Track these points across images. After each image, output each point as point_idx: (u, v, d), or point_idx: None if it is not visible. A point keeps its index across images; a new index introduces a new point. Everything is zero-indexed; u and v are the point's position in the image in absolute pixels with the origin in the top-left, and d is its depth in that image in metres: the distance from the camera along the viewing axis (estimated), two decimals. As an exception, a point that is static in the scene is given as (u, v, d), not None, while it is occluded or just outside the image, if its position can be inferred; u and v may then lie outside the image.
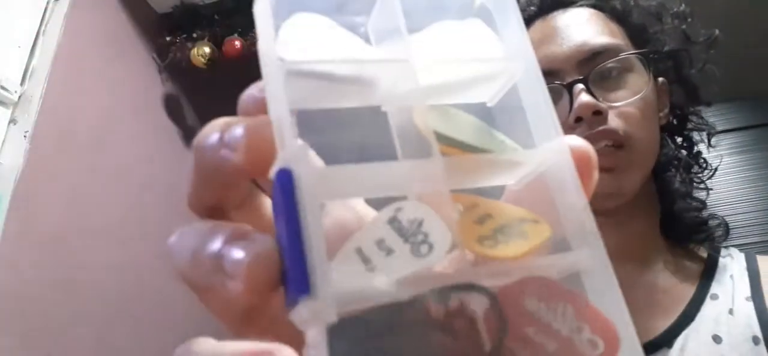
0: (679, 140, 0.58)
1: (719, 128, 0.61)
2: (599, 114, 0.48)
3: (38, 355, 1.20)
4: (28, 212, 1.23)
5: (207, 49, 1.59)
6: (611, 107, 0.49)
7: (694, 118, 0.58)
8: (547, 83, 0.54)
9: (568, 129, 0.50)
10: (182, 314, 1.63)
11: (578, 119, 0.48)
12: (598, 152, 0.50)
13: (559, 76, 0.51)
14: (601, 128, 0.48)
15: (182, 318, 1.61)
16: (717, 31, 0.57)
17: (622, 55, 0.51)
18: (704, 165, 0.58)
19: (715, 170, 0.58)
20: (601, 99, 0.49)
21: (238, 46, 1.57)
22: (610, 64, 0.50)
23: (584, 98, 0.48)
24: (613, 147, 0.48)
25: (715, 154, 0.60)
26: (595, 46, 0.51)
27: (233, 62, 1.66)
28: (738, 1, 1.84)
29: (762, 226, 2.10)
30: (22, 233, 1.20)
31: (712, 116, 0.59)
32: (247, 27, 1.57)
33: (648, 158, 0.51)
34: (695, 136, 0.59)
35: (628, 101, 0.50)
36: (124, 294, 1.45)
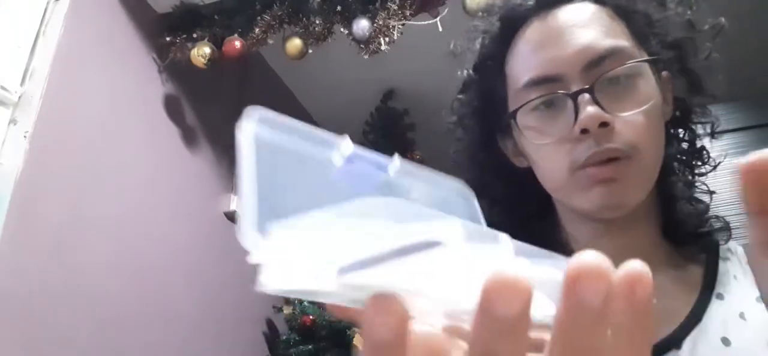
0: (681, 132, 0.56)
1: (722, 128, 0.59)
2: (606, 126, 0.47)
3: (38, 354, 1.20)
4: (28, 212, 1.23)
5: (207, 49, 1.59)
6: (619, 118, 0.47)
7: (697, 109, 0.56)
8: (550, 90, 0.51)
9: (573, 140, 0.48)
10: (183, 313, 1.63)
11: (584, 131, 0.47)
12: (602, 164, 0.47)
13: (562, 82, 0.49)
14: (607, 146, 0.46)
15: (183, 317, 1.61)
16: (723, 20, 0.55)
17: (631, 63, 0.48)
18: (707, 159, 0.56)
19: (717, 164, 0.56)
20: (607, 109, 0.46)
21: (238, 46, 1.57)
22: (617, 72, 0.48)
23: (591, 109, 0.46)
24: (617, 158, 0.47)
25: (720, 152, 0.58)
26: (602, 50, 0.48)
27: (233, 62, 1.66)
28: (740, 3, 1.83)
29: (763, 226, 2.09)
30: (22, 233, 1.20)
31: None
32: (247, 27, 1.57)
33: (653, 167, 0.49)
34: (699, 129, 0.56)
35: (637, 111, 0.47)
36: (124, 292, 1.44)
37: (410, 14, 1.48)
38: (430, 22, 1.49)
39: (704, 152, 0.56)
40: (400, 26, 1.47)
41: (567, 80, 0.48)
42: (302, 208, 0.15)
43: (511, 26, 0.54)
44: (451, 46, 0.62)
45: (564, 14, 0.51)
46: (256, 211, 0.15)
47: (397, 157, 0.20)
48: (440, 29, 1.46)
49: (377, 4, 1.49)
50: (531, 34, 0.53)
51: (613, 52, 0.48)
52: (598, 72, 0.48)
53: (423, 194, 0.20)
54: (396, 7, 1.47)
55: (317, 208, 0.16)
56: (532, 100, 0.50)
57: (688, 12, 0.54)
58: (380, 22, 1.46)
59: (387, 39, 1.47)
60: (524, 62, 0.52)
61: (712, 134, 0.56)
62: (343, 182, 0.17)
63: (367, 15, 1.49)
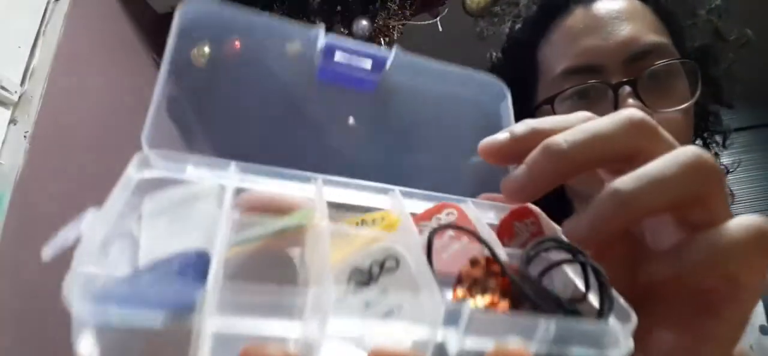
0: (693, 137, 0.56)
1: (736, 126, 0.60)
2: None
3: (38, 354, 1.20)
4: (28, 212, 1.22)
5: (207, 49, 1.59)
6: (658, 113, 0.46)
7: (712, 118, 0.56)
8: (589, 79, 0.50)
9: None
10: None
11: None
12: None
13: (602, 72, 0.48)
14: None
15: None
16: (749, 32, 0.54)
17: (674, 61, 0.47)
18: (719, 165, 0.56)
19: (728, 172, 0.56)
20: (647, 104, 0.46)
21: (238, 46, 1.57)
22: (660, 68, 0.47)
23: (631, 102, 0.45)
24: None
25: (732, 153, 0.58)
26: (645, 44, 0.47)
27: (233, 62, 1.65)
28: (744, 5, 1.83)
29: (763, 226, 2.09)
30: (22, 233, 1.20)
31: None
32: (247, 27, 1.57)
33: None
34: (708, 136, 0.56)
35: (677, 109, 0.46)
36: (124, 294, 1.44)
37: (410, 14, 1.48)
38: (430, 22, 1.49)
39: (719, 160, 0.56)
40: (400, 26, 1.47)
41: (607, 72, 0.48)
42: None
43: (550, 12, 0.53)
44: (478, 28, 0.61)
45: (608, 4, 0.50)
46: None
47: (396, 48, 0.17)
48: (440, 29, 1.46)
49: (377, 4, 1.49)
50: (572, 22, 0.51)
51: (657, 47, 0.47)
52: (641, 66, 0.47)
53: (424, 93, 0.18)
54: (396, 7, 1.47)
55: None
56: (571, 88, 0.49)
57: (717, 20, 0.53)
58: (380, 22, 1.46)
59: (387, 39, 1.46)
60: (563, 50, 0.51)
61: (724, 143, 0.56)
62: (323, 85, 0.15)
63: (367, 15, 1.49)
